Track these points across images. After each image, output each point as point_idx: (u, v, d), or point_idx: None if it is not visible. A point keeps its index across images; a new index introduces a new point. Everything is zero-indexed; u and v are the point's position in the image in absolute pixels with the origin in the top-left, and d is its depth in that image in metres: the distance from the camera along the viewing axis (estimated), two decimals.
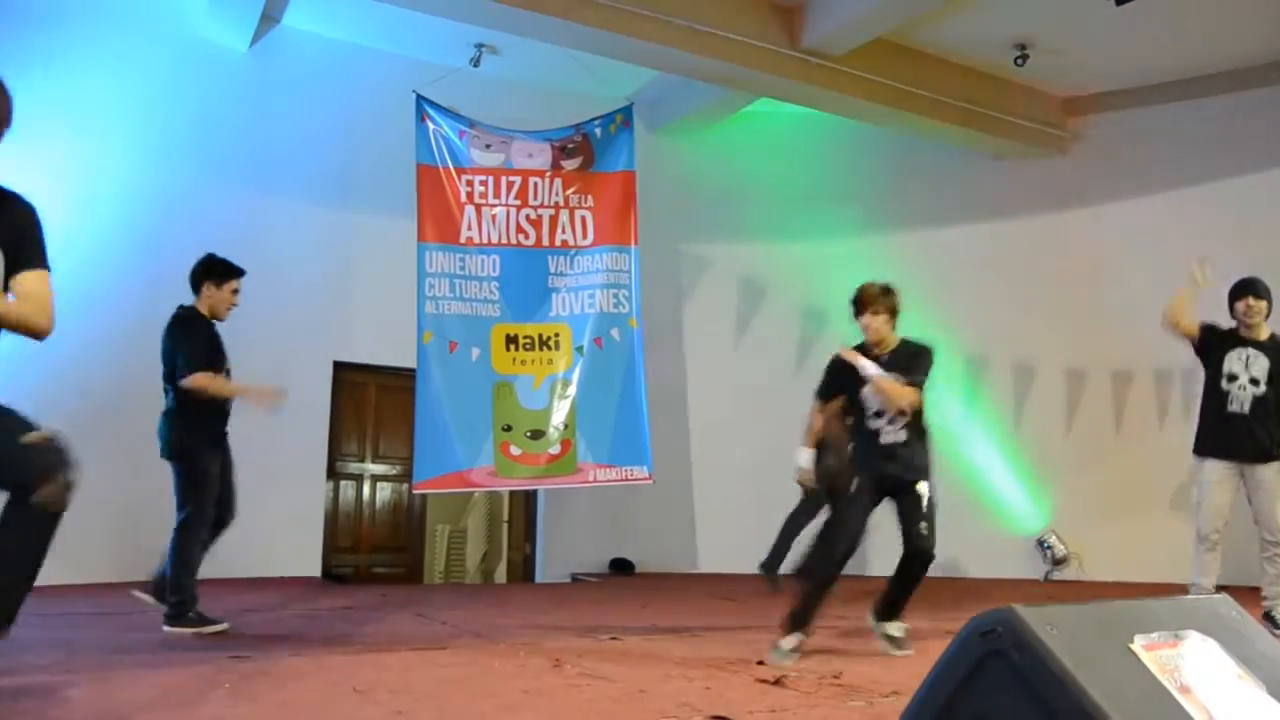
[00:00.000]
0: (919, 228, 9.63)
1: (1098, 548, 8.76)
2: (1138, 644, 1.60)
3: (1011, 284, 9.29)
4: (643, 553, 9.64)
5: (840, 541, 4.44)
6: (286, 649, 4.33)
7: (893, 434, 4.49)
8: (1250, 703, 1.64)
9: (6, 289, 2.80)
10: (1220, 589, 4.77)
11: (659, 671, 3.83)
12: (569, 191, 7.05)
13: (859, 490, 4.48)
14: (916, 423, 4.51)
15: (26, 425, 2.77)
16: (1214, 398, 5.53)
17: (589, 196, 7.09)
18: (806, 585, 4.53)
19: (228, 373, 5.09)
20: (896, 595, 4.51)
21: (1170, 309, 5.58)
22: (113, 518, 6.71)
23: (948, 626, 4.60)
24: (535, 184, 6.99)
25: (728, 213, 10.10)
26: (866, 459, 4.53)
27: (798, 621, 4.29)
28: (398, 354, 7.52)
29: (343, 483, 8.98)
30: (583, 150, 7.16)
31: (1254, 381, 5.41)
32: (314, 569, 8.37)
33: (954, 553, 9.22)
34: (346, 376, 8.86)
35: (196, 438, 4.96)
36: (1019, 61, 8.61)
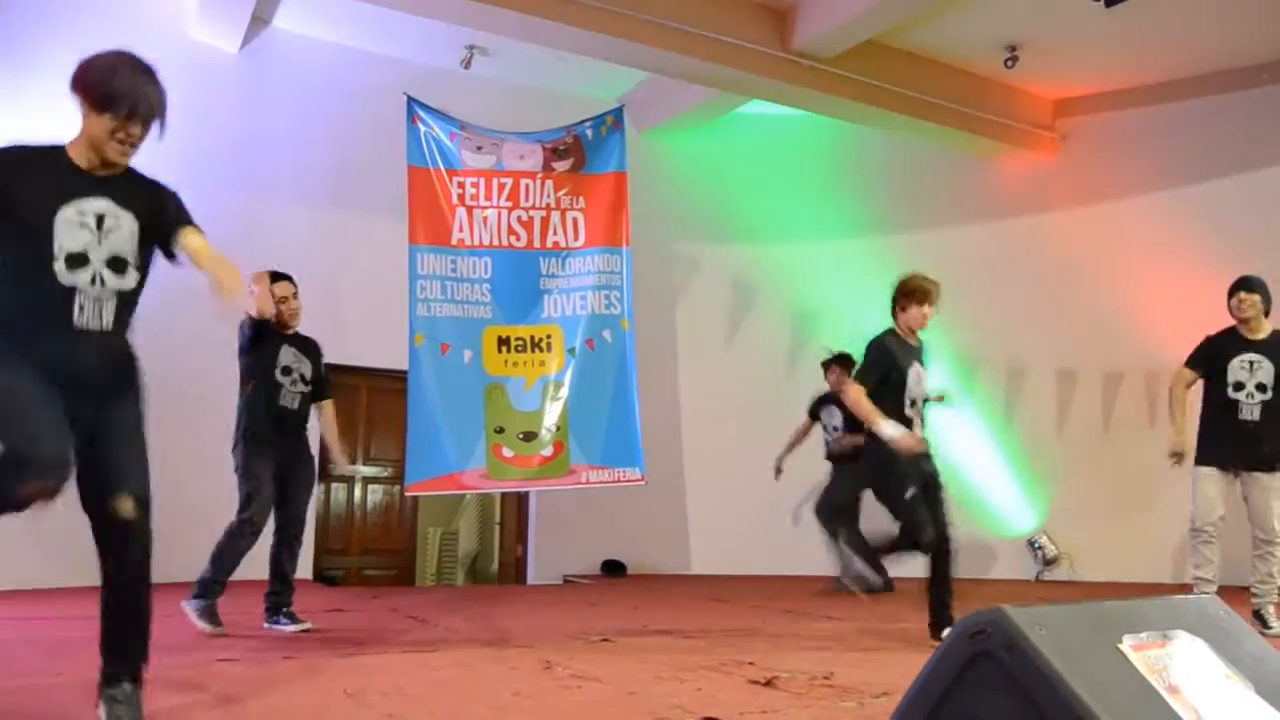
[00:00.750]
0: (909, 229, 9.65)
1: (1088, 548, 8.79)
2: (1126, 644, 1.60)
3: (1001, 285, 9.31)
4: (635, 554, 9.64)
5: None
6: (278, 652, 4.32)
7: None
8: (1238, 702, 1.64)
9: (173, 257, 2.94)
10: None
11: (650, 673, 3.83)
12: (560, 193, 7.04)
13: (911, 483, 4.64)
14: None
15: None
16: (1221, 407, 5.46)
17: (580, 198, 7.08)
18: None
19: (284, 371, 5.21)
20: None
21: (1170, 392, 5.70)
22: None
23: None
24: (527, 185, 6.99)
25: (719, 214, 10.12)
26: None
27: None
28: (389, 356, 7.50)
29: (334, 485, 8.96)
30: (574, 152, 7.15)
31: (1260, 388, 5.37)
32: (305, 571, 8.34)
33: None
34: (337, 378, 8.71)
35: (242, 443, 5.07)
36: (1009, 63, 8.65)
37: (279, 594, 5.15)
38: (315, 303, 8.62)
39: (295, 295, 5.35)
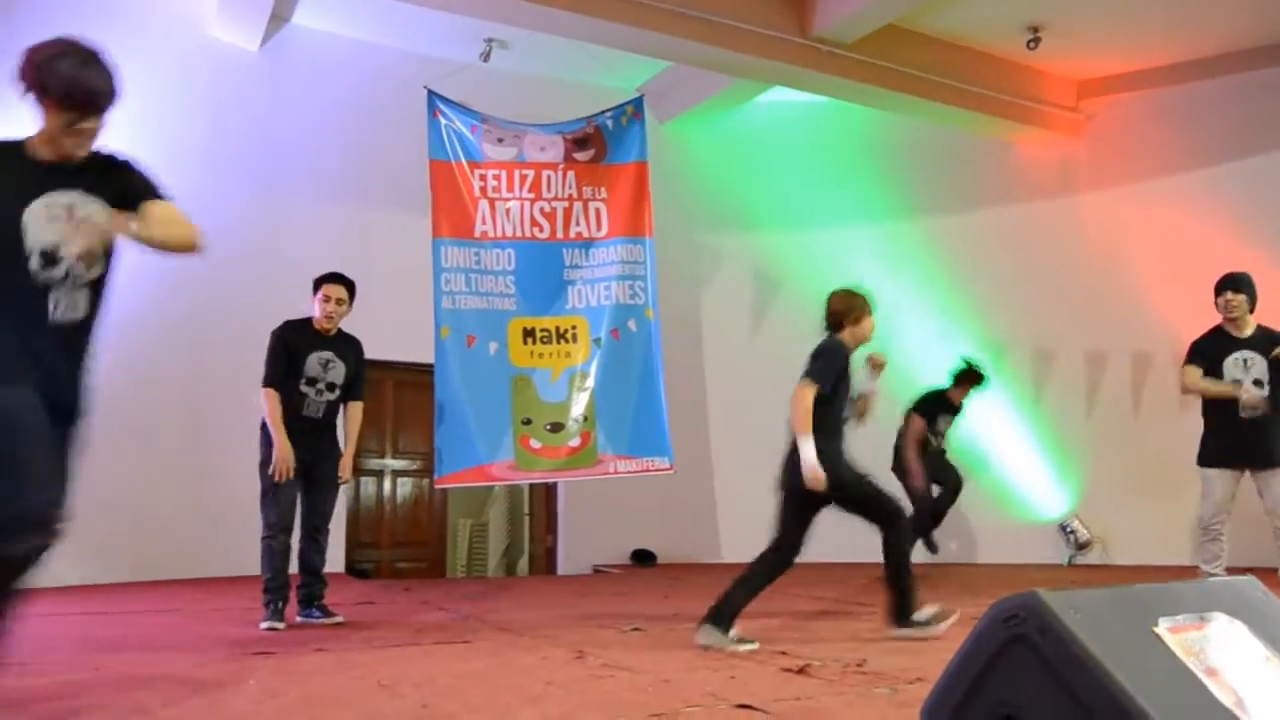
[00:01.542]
0: (933, 214, 9.59)
1: (1121, 531, 8.71)
2: (1162, 627, 1.59)
3: (1027, 268, 9.23)
4: (664, 543, 9.64)
5: None
6: (311, 644, 4.36)
7: None
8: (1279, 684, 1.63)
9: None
10: (1244, 571, 4.74)
11: (683, 662, 3.83)
12: (582, 184, 7.05)
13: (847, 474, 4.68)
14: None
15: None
16: (1221, 406, 5.47)
17: (602, 188, 7.09)
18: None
19: (309, 382, 5.20)
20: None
21: (1194, 386, 5.58)
22: (128, 518, 6.78)
23: (971, 612, 4.58)
24: (548, 177, 7.00)
25: (742, 203, 10.09)
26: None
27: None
28: (415, 349, 7.53)
29: (363, 479, 9.02)
30: (595, 142, 7.16)
31: (1257, 384, 5.39)
32: (337, 564, 8.41)
33: (975, 539, 9.21)
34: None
35: (265, 449, 5.10)
36: (1031, 45, 8.54)
37: (310, 586, 5.20)
38: None
39: (344, 301, 5.32)
